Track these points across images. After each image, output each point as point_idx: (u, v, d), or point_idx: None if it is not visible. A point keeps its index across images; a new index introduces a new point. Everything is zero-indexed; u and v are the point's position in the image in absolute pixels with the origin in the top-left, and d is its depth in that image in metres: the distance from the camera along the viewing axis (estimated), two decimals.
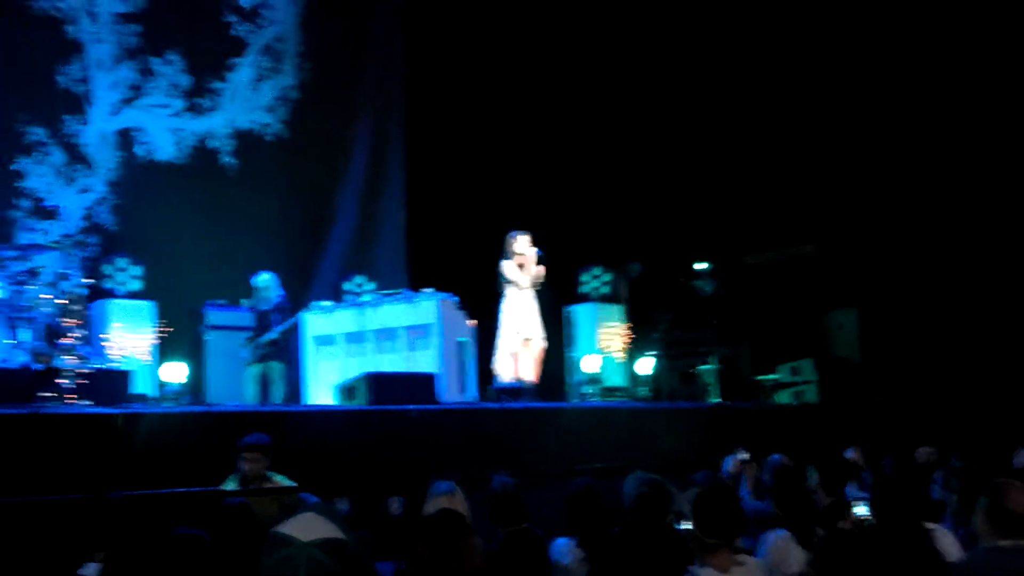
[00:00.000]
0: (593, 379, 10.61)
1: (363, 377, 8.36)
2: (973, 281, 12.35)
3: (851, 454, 6.65)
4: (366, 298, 10.09)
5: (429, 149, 12.83)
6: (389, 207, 13.05)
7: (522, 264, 9.91)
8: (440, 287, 9.88)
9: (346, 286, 11.91)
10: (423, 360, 9.57)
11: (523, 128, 12.83)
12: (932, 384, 11.74)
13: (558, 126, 12.91)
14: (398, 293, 10.00)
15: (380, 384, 8.22)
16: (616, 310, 12.06)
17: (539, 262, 9.95)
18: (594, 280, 12.37)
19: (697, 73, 13.08)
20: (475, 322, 10.11)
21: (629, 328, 11.86)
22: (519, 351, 9.92)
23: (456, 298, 9.88)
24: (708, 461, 6.49)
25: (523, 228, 10.15)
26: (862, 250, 13.08)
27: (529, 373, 9.94)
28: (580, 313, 12.21)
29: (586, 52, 13.00)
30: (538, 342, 10.00)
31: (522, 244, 9.99)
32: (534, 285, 9.99)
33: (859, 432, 7.38)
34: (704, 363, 11.58)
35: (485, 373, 10.14)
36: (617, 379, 11.45)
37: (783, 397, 11.70)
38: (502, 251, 10.03)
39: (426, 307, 9.72)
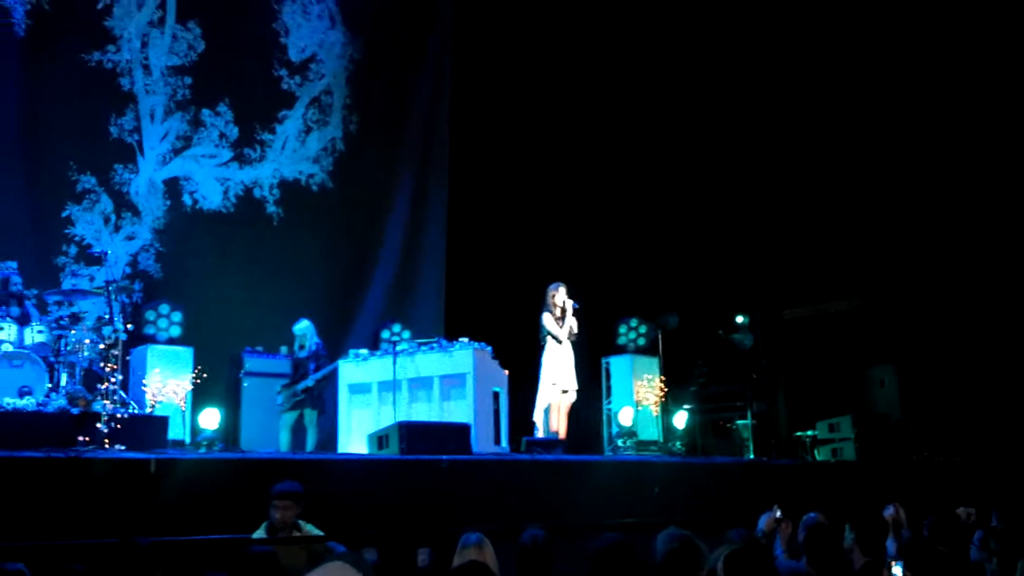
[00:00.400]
0: (628, 432, 10.62)
1: (396, 426, 8.25)
2: (1015, 338, 12.28)
3: (891, 511, 6.44)
4: (402, 347, 9.96)
5: (469, 201, 12.96)
6: (428, 257, 13.15)
7: (561, 316, 9.95)
8: (475, 337, 9.85)
9: (383, 335, 11.95)
10: (456, 410, 9.53)
11: (562, 180, 12.96)
12: (973, 442, 11.66)
13: (597, 179, 13.03)
14: (433, 342, 9.95)
15: (412, 433, 8.10)
16: (652, 362, 12.00)
17: (575, 314, 9.97)
18: (631, 331, 12.31)
19: (741, 125, 13.11)
20: (508, 372, 10.07)
21: (665, 381, 11.80)
22: (555, 403, 9.91)
23: (490, 348, 9.83)
24: (743, 518, 6.30)
25: (560, 279, 10.18)
26: (903, 306, 13.03)
27: (560, 425, 9.93)
28: (616, 365, 12.17)
29: (624, 110, 13.10)
30: (571, 395, 9.98)
31: (561, 296, 10.02)
32: (570, 337, 10.02)
33: (897, 490, 7.17)
34: (741, 418, 11.56)
35: (518, 423, 10.12)
36: (652, 432, 11.41)
37: (821, 454, 11.58)
38: (542, 303, 10.03)
39: (461, 356, 9.66)
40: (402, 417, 9.21)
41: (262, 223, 12.11)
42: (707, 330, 12.26)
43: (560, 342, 9.84)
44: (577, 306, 9.88)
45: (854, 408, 11.91)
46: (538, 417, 9.89)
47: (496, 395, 9.82)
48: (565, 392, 9.87)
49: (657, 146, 13.17)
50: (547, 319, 9.84)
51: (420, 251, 13.07)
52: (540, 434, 9.73)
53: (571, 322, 9.83)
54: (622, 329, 12.26)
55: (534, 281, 10.30)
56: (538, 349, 9.98)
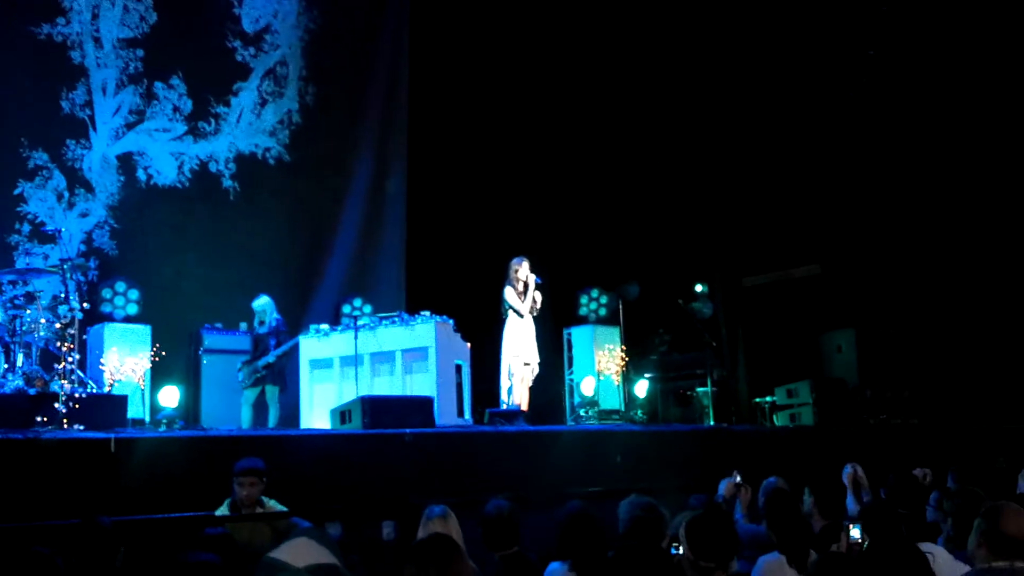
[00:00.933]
0: (590, 402, 10.68)
1: (358, 400, 8.25)
2: (972, 301, 12.33)
3: (849, 471, 6.54)
4: (363, 321, 9.96)
5: (429, 173, 12.82)
6: (389, 231, 13.00)
7: (523, 291, 9.97)
8: (437, 310, 9.84)
9: (344, 309, 11.88)
10: (419, 383, 9.56)
11: (522, 152, 12.82)
12: (930, 406, 11.73)
13: (556, 149, 12.91)
14: (395, 316, 9.94)
15: (375, 407, 8.10)
16: (614, 332, 11.98)
17: (538, 288, 9.99)
18: (592, 302, 12.34)
19: (696, 93, 13.07)
20: (470, 344, 10.11)
21: (626, 350, 11.80)
22: (517, 375, 9.97)
23: (452, 321, 9.84)
24: (704, 485, 6.45)
25: (522, 251, 10.17)
26: (860, 271, 13.03)
27: (523, 398, 9.98)
28: (578, 335, 12.22)
29: (583, 77, 12.99)
30: (534, 368, 10.02)
31: (524, 271, 10.03)
32: (532, 312, 10.05)
33: (855, 454, 7.26)
34: (701, 385, 11.51)
35: (481, 395, 10.17)
36: (614, 401, 11.45)
37: (779, 419, 11.64)
38: (504, 277, 10.03)
39: (423, 330, 9.67)
40: (364, 392, 9.19)
41: (218, 198, 11.92)
42: (667, 299, 12.27)
43: (522, 316, 9.87)
44: (540, 281, 9.90)
45: (812, 374, 12.02)
46: (503, 389, 10.02)
47: (459, 368, 9.86)
48: (527, 365, 9.92)
49: (616, 117, 13.13)
50: (509, 293, 9.85)
51: (380, 225, 12.98)
52: (505, 406, 9.84)
53: (533, 296, 9.86)
54: (583, 299, 12.31)
55: (496, 254, 10.33)
56: (500, 322, 10.03)
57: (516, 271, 9.84)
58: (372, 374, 9.84)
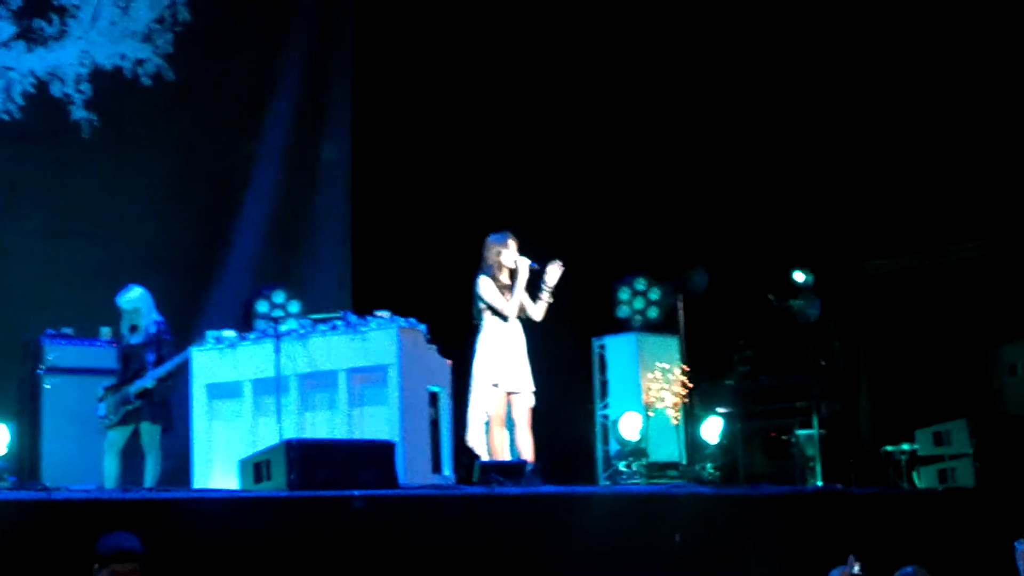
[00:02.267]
0: (634, 450, 10.85)
1: (281, 447, 8.20)
2: None
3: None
4: (289, 325, 10.11)
5: (386, 105, 13.01)
6: (325, 191, 13.18)
7: (509, 283, 9.95)
8: (400, 310, 9.95)
9: (259, 307, 11.93)
10: (374, 420, 9.71)
11: (524, 80, 13.30)
12: None
13: (576, 82, 13.59)
14: (337, 318, 10.04)
15: (307, 457, 8.10)
16: (669, 344, 12.21)
17: (535, 275, 9.97)
18: (637, 298, 12.43)
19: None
20: (452, 362, 10.26)
21: (689, 371, 11.97)
22: (496, 412, 9.94)
23: (424, 327, 9.95)
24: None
25: (527, 227, 10.24)
26: None
27: (525, 444, 9.98)
28: (615, 348, 12.37)
29: None
30: (526, 398, 9.98)
31: (510, 253, 9.98)
32: (522, 314, 10.01)
33: None
34: (803, 426, 11.59)
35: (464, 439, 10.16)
36: (670, 450, 11.81)
37: (922, 478, 11.68)
38: (480, 262, 10.03)
39: (380, 339, 9.77)
40: (291, 433, 9.35)
41: (66, 137, 12.07)
42: (750, 294, 12.29)
43: (506, 319, 9.88)
44: (536, 266, 9.89)
45: (972, 409, 11.92)
46: (475, 437, 9.96)
47: (434, 397, 10.01)
48: (513, 395, 9.90)
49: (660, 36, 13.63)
50: (486, 286, 9.84)
51: (314, 180, 13.17)
52: (483, 455, 9.76)
53: (523, 288, 9.91)
54: (623, 294, 12.46)
55: (484, 227, 10.40)
56: (473, 330, 10.11)
57: (498, 253, 9.90)
58: (302, 406, 9.99)
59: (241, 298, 12.27)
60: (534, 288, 9.95)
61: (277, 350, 9.78)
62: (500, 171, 12.77)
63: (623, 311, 12.48)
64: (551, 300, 9.95)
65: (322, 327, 10.01)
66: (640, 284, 12.46)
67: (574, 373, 11.49)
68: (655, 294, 12.42)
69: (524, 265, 9.86)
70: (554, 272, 9.86)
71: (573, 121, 13.39)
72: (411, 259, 12.26)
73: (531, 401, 9.93)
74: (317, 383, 10.01)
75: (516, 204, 11.45)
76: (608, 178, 13.20)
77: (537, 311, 9.95)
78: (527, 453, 9.84)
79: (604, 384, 12.33)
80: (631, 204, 13.14)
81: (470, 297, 10.00)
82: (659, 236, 12.92)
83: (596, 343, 12.40)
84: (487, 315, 9.86)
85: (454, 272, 10.73)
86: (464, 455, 9.86)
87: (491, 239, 9.95)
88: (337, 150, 13.36)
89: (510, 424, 9.90)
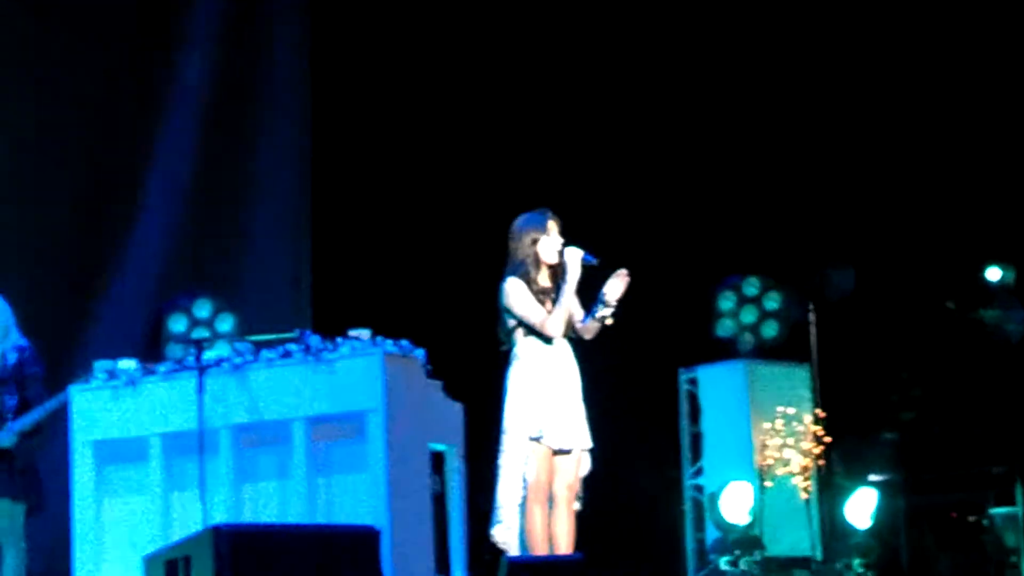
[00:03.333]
0: (743, 539, 10.34)
1: (207, 536, 7.06)
2: None
3: None
4: (219, 352, 9.21)
5: (352, 33, 12.76)
6: (272, 154, 12.25)
7: (552, 286, 8.34)
8: (387, 329, 9.00)
9: (172, 326, 11.26)
10: (348, 496, 8.92)
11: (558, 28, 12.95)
12: None
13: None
14: (292, 339, 9.09)
15: (246, 553, 7.04)
16: (795, 377, 11.45)
17: (590, 271, 8.30)
18: (746, 309, 11.70)
19: None
20: (465, 406, 9.33)
21: (825, 420, 11.02)
22: (538, 480, 8.33)
23: (423, 352, 8.99)
24: None
25: (555, 205, 8.68)
26: None
27: (562, 529, 8.33)
28: (713, 385, 11.64)
29: None
30: (580, 460, 8.36)
31: (551, 241, 8.33)
32: (570, 333, 8.45)
33: None
34: (1000, 502, 10.99)
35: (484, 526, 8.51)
36: (799, 538, 11.00)
37: None
38: (507, 258, 8.52)
39: (356, 372, 8.87)
40: (221, 516, 8.74)
41: None
42: (919, 302, 11.49)
43: (550, 340, 8.28)
44: (593, 261, 8.24)
45: None
46: (505, 519, 8.36)
47: (439, 459, 9.06)
48: (562, 454, 8.29)
49: None
50: (515, 292, 8.19)
51: (254, 137, 12.28)
52: (514, 551, 8.20)
53: (574, 292, 8.28)
54: (724, 303, 11.53)
55: (513, 210, 8.72)
56: (503, 358, 8.53)
57: (533, 243, 8.26)
58: (239, 475, 9.10)
59: (146, 312, 11.58)
60: (584, 299, 8.33)
61: (200, 389, 8.79)
62: (534, 134, 12.09)
63: (725, 327, 11.46)
64: (611, 323, 8.42)
65: (268, 354, 9.04)
66: (751, 288, 11.47)
67: (651, 422, 10.80)
68: (773, 302, 11.43)
69: (575, 259, 8.11)
70: (616, 286, 8.17)
71: (637, 63, 12.96)
72: (402, 255, 11.47)
73: (587, 465, 8.36)
74: (261, 439, 9.03)
75: (553, 176, 10.57)
76: (693, 139, 12.40)
77: (588, 330, 8.38)
78: (565, 541, 8.15)
79: (696, 438, 11.28)
80: (736, 187, 12.23)
81: (493, 310, 8.47)
82: (777, 218, 11.91)
83: (684, 376, 11.44)
84: (520, 336, 8.17)
85: (467, 273, 10.09)
86: (486, 548, 8.61)
87: (521, 223, 8.29)
88: (289, 92, 12.48)
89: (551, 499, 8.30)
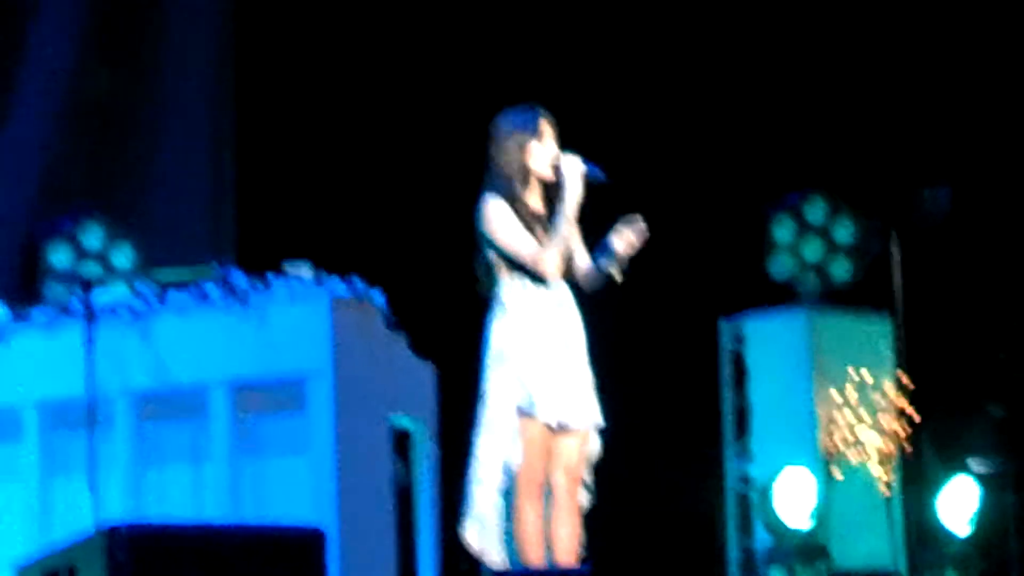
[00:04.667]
0: (805, 545, 9.73)
1: (99, 539, 6.14)
2: None
3: None
4: (114, 294, 8.85)
5: None
6: (178, 38, 11.46)
7: (545, 212, 7.01)
8: (334, 265, 8.53)
9: (53, 258, 10.47)
10: (284, 485, 8.50)
11: None
12: None
13: None
14: (208, 278, 8.74)
15: (149, 559, 6.12)
16: (873, 332, 10.39)
17: (594, 186, 6.96)
18: (808, 239, 10.77)
19: None
20: (439, 369, 8.89)
21: (913, 390, 9.70)
22: (531, 459, 6.91)
23: (383, 299, 8.43)
24: None
25: (549, 103, 7.22)
26: None
27: (566, 530, 6.95)
28: (765, 340, 10.70)
29: None
30: (584, 441, 7.03)
31: (545, 148, 7.01)
32: (571, 275, 7.13)
33: None
34: None
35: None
36: (874, 546, 10.06)
37: None
38: (485, 170, 7.20)
39: (294, 321, 8.43)
40: (118, 509, 8.37)
41: None
42: None
43: (544, 282, 7.16)
44: (600, 176, 6.93)
45: None
46: (483, 515, 7.03)
47: (402, 438, 8.60)
48: (561, 431, 7.01)
49: None
50: (497, 216, 7.13)
51: (157, 19, 11.34)
52: (497, 560, 6.98)
53: (572, 223, 7.03)
54: (780, 232, 10.45)
55: (489, 111, 7.27)
56: (485, 306, 7.32)
57: (520, 150, 7.15)
58: (141, 455, 8.60)
59: (16, 241, 10.74)
60: (588, 238, 7.01)
61: (89, 344, 8.25)
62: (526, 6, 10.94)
63: (781, 265, 10.28)
64: (621, 277, 7.11)
65: (179, 298, 8.53)
66: (816, 212, 10.39)
67: (682, 390, 9.78)
68: (845, 232, 10.34)
69: (576, 172, 6.87)
70: (627, 236, 6.84)
71: None
72: (352, 168, 10.44)
73: (595, 446, 7.04)
74: (169, 410, 8.54)
75: (548, 62, 9.91)
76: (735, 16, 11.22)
77: (590, 280, 7.15)
78: (567, 546, 6.80)
79: (742, 413, 10.12)
80: (788, 58, 11.12)
81: (470, 241, 7.07)
82: (848, 117, 10.70)
83: (727, 329, 10.27)
84: (505, 275, 7.06)
85: (435, 192, 9.69)
86: (461, 554, 7.10)
87: (504, 124, 6.96)
88: None
89: (549, 491, 7.04)
